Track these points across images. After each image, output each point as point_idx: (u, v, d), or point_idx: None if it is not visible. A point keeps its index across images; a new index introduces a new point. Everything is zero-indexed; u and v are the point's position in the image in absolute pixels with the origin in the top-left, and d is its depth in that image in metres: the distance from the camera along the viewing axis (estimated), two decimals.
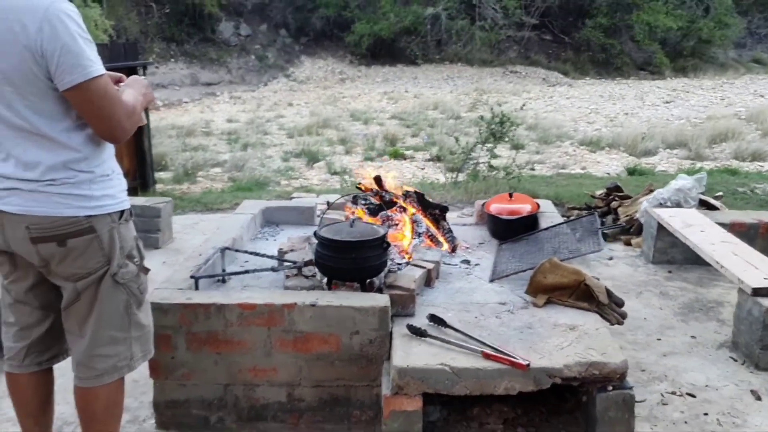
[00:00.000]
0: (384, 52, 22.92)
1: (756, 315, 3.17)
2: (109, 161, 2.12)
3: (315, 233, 2.89)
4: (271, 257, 3.17)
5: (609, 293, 2.88)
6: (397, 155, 11.39)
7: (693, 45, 21.85)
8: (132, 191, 5.78)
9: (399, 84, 21.59)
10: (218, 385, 2.74)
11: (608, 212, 5.42)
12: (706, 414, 2.85)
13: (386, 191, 3.57)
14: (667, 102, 18.09)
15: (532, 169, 9.10)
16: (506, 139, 7.23)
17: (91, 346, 2.15)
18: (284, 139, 14.03)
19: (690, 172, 9.56)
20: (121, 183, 2.16)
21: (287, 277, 2.98)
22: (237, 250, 3.28)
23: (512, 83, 21.62)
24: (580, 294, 2.86)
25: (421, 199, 3.55)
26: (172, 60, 21.01)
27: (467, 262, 3.36)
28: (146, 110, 5.88)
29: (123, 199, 2.14)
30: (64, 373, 2.40)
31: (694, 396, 2.98)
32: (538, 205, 3.74)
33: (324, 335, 2.66)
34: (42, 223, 2.00)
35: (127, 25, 19.37)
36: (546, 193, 6.48)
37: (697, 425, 2.78)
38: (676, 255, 4.48)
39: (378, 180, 3.57)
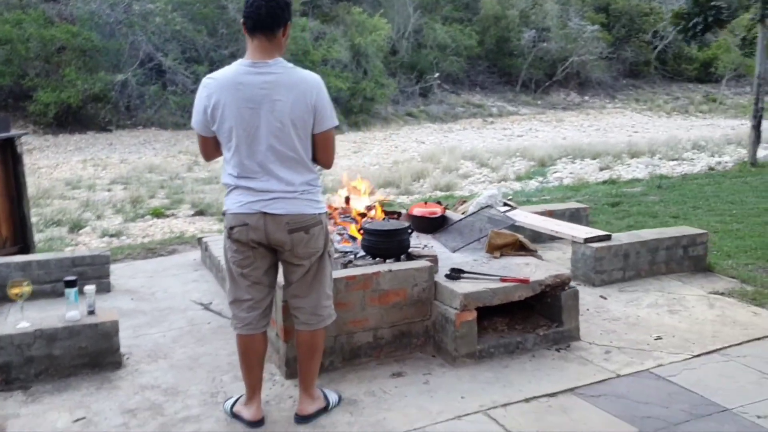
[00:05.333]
0: (72, 119, 22.42)
1: (589, 254, 5.28)
2: None
3: (364, 227, 4.20)
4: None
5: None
6: (158, 214, 11.92)
7: (360, 103, 25.70)
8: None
9: (95, 151, 21.28)
10: (330, 337, 3.87)
11: None
12: (587, 309, 4.81)
13: (351, 207, 4.96)
14: (356, 152, 21.21)
15: None
16: None
17: (317, 300, 3.29)
18: None
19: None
20: None
21: (344, 264, 4.19)
22: None
23: None
24: (517, 247, 4.64)
25: (382, 209, 5.01)
26: None
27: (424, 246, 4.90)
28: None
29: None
30: None
31: None
32: (445, 209, 5.44)
33: (397, 290, 4.01)
34: (296, 219, 3.13)
35: None
36: None
37: (584, 316, 4.71)
38: None
39: (347, 200, 4.94)
